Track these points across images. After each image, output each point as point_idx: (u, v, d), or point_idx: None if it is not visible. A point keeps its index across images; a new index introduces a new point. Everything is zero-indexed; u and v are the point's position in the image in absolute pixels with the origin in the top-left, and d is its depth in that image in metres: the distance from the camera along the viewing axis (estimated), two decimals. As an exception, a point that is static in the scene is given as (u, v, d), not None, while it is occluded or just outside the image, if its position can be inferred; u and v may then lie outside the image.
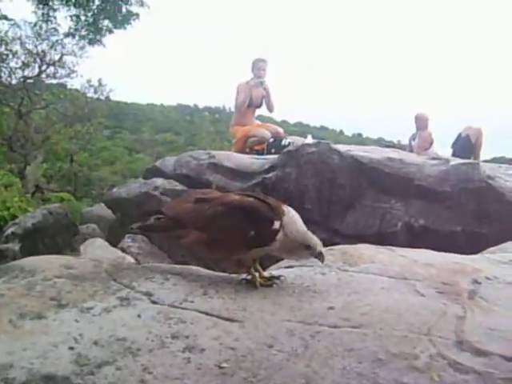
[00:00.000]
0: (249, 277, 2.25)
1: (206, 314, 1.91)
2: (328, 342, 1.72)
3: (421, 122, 9.83)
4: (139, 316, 1.87)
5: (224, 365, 1.59)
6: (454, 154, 9.10)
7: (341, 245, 3.03)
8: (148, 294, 2.05)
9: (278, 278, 2.26)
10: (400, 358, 1.61)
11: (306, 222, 2.27)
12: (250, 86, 8.55)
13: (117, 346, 1.67)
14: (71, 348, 1.64)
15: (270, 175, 6.01)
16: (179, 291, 2.10)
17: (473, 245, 4.00)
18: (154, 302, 1.99)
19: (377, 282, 2.23)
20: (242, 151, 8.08)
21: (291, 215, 2.25)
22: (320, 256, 2.23)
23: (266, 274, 2.33)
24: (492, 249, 3.53)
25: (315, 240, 2.22)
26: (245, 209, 2.25)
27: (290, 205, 2.31)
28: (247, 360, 1.62)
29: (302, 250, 2.22)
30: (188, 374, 1.54)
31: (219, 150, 9.81)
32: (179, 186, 6.59)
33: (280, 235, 2.18)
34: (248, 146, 8.28)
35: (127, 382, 1.50)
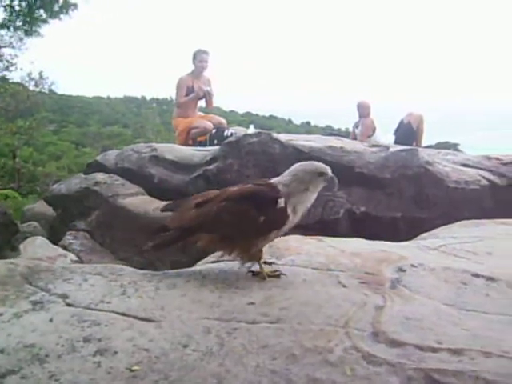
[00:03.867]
0: (254, 268, 2.25)
1: (123, 314, 1.85)
2: (244, 338, 1.68)
3: (363, 110, 9.95)
4: (51, 320, 1.79)
5: (135, 367, 1.54)
6: (396, 141, 9.21)
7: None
8: (63, 297, 1.97)
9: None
10: (314, 352, 1.59)
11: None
12: (191, 78, 8.42)
13: (24, 353, 1.60)
14: (-26, 358, 1.56)
15: (212, 167, 5.93)
16: (97, 292, 2.03)
17: (413, 230, 4.06)
18: (68, 305, 1.92)
19: (300, 274, 2.21)
20: (185, 143, 8.01)
21: (280, 180, 2.25)
22: (332, 180, 2.26)
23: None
24: (424, 235, 3.58)
25: (322, 165, 2.26)
26: (247, 196, 2.22)
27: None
28: (160, 361, 1.57)
29: (316, 178, 2.22)
30: (97, 379, 1.49)
31: (166, 141, 9.69)
32: (120, 181, 6.47)
33: (289, 210, 2.17)
34: (191, 137, 8.19)
35: (32, 391, 1.43)
